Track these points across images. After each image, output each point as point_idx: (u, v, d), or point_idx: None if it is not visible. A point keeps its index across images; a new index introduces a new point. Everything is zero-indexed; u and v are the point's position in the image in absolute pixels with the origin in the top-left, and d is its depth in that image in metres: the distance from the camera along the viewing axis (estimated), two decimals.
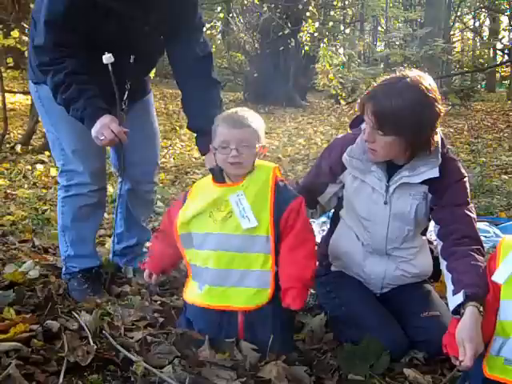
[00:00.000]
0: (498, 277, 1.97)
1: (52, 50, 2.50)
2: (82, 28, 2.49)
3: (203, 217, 2.32)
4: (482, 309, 1.97)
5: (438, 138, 2.38)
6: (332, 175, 2.57)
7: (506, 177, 6.86)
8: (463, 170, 2.46)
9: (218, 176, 2.34)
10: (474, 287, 2.04)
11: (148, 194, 3.15)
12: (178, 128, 11.43)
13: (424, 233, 2.64)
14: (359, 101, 2.37)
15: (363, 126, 2.48)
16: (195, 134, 2.82)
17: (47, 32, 2.47)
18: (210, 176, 2.39)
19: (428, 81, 2.27)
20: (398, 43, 16.63)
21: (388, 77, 2.35)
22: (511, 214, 4.96)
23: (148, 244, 3.23)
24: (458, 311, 2.03)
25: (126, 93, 2.74)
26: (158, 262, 2.53)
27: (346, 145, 2.50)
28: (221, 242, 2.29)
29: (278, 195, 2.30)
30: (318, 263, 2.78)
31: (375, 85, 2.36)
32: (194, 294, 2.37)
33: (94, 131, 2.50)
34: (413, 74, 2.27)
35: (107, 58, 2.50)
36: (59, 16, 2.44)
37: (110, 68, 2.49)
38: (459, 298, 2.04)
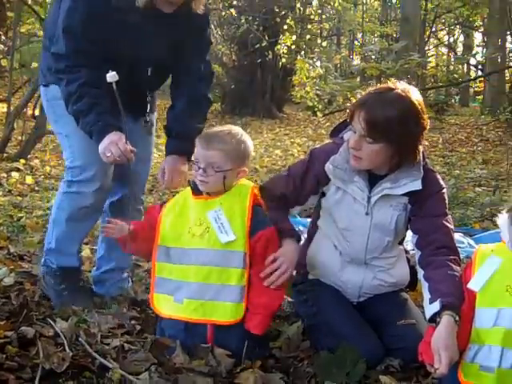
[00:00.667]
0: (474, 285, 2.00)
1: (69, 57, 2.51)
2: (100, 39, 2.51)
3: (182, 231, 2.34)
4: (457, 318, 2.00)
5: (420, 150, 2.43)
6: (316, 186, 2.55)
7: (480, 189, 6.96)
8: (442, 182, 2.51)
9: (196, 188, 2.37)
10: (450, 297, 2.06)
11: (138, 212, 3.03)
12: (154, 138, 11.36)
13: (401, 242, 2.67)
14: (349, 108, 2.40)
15: (346, 135, 2.51)
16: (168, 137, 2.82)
17: (67, 39, 2.49)
18: (189, 188, 2.41)
19: (416, 93, 2.35)
20: (373, 57, 16.81)
21: (377, 87, 2.40)
22: (485, 225, 5.02)
23: (127, 272, 3.15)
24: (434, 320, 2.06)
25: (148, 105, 2.83)
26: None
27: (330, 154, 2.50)
28: (199, 257, 2.30)
29: (254, 216, 2.34)
30: (294, 272, 2.80)
31: (365, 93, 2.39)
32: (172, 307, 2.34)
33: (101, 147, 2.47)
34: (401, 85, 2.35)
35: (111, 77, 2.40)
36: (78, 24, 2.47)
37: (114, 87, 2.38)
38: (435, 306, 2.06)
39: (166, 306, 2.36)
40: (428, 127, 2.38)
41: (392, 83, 2.38)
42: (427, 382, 2.05)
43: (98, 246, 3.10)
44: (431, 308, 2.09)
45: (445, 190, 2.50)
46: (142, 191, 3.12)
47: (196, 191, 2.37)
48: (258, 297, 2.33)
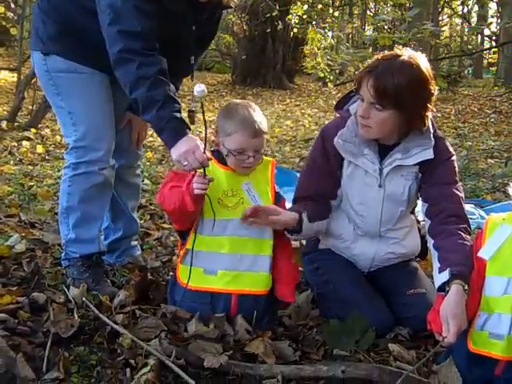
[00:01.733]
0: (485, 253, 1.99)
1: (147, 38, 2.31)
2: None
3: (212, 202, 2.31)
4: (466, 287, 1.99)
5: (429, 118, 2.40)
6: (341, 162, 2.49)
7: (492, 161, 6.92)
8: (451, 149, 2.49)
9: (222, 159, 2.36)
10: (459, 265, 2.05)
11: (137, 177, 3.03)
12: None
13: (413, 211, 2.66)
14: (356, 76, 2.37)
15: (351, 107, 2.48)
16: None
17: (139, 17, 2.29)
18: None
19: (423, 59, 2.33)
20: (386, 27, 16.60)
21: (384, 54, 2.36)
22: (496, 196, 5.00)
23: (135, 238, 3.13)
24: (443, 288, 2.05)
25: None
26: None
27: (339, 129, 2.46)
28: (235, 228, 2.32)
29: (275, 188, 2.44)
30: (305, 241, 2.81)
31: (373, 61, 2.34)
32: (201, 279, 2.33)
33: (176, 154, 2.26)
34: (408, 52, 2.33)
35: (200, 92, 2.17)
36: (148, 4, 2.33)
37: (202, 102, 2.21)
38: (445, 275, 2.06)
39: (194, 278, 2.34)
40: (436, 93, 2.36)
41: (399, 50, 2.35)
42: (436, 351, 2.05)
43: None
44: (440, 277, 2.09)
45: (454, 157, 2.48)
46: (141, 153, 3.07)
47: (222, 161, 2.35)
48: (286, 267, 2.42)
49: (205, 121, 2.20)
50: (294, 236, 2.43)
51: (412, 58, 2.29)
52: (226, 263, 2.32)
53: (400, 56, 2.29)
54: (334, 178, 2.50)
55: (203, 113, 2.20)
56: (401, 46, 2.42)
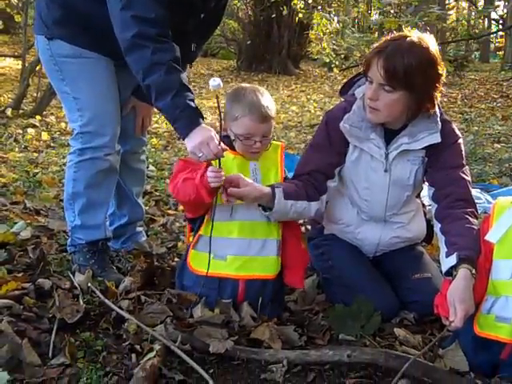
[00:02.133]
0: (492, 236, 1.99)
1: (161, 24, 2.28)
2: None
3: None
4: (474, 271, 1.99)
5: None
6: (345, 148, 2.47)
7: (499, 145, 6.88)
8: (458, 132, 2.47)
9: (232, 145, 2.34)
10: (467, 250, 2.05)
11: (142, 163, 3.02)
12: None
13: (418, 195, 2.64)
14: (365, 58, 2.34)
15: (357, 92, 2.46)
16: None
17: (154, 3, 2.27)
18: None
19: (431, 40, 2.31)
20: (392, 11, 16.47)
21: (393, 35, 2.33)
22: (503, 181, 4.99)
23: (141, 224, 3.13)
24: (450, 273, 2.05)
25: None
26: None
27: (345, 114, 2.44)
28: (243, 212, 2.31)
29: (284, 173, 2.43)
30: (310, 226, 2.80)
31: (381, 42, 2.32)
32: (213, 264, 2.31)
33: (190, 145, 2.23)
34: (416, 33, 2.31)
35: (215, 86, 2.11)
36: None
37: (218, 96, 2.13)
38: (452, 260, 2.05)
39: (204, 263, 2.32)
40: (445, 74, 2.34)
41: (407, 31, 2.34)
42: (442, 335, 2.05)
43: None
44: (448, 261, 2.08)
45: (461, 141, 2.46)
46: (146, 139, 3.06)
47: (231, 147, 2.32)
48: (295, 252, 2.41)
49: (220, 113, 2.17)
50: (267, 213, 2.30)
51: (421, 39, 2.27)
52: (236, 248, 2.31)
53: (409, 37, 2.27)
54: (334, 159, 2.47)
55: (218, 106, 2.15)
56: (409, 27, 2.40)
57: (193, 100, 2.27)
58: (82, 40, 2.51)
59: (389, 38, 2.32)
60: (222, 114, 2.25)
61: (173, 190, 2.30)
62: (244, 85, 2.42)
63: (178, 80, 2.25)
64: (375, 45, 2.34)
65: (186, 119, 2.24)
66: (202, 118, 2.29)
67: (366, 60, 2.32)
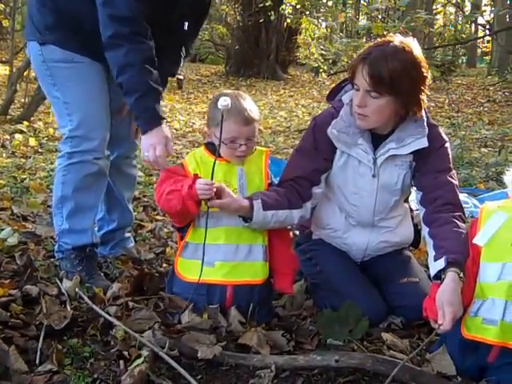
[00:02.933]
0: (480, 239, 2.01)
1: (134, 23, 2.35)
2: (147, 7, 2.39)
3: None
4: (462, 274, 2.00)
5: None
6: (331, 154, 2.46)
7: (486, 150, 6.92)
8: (444, 136, 2.48)
9: (216, 151, 2.32)
10: (455, 253, 2.06)
11: (134, 168, 3.03)
12: None
13: (406, 200, 2.65)
14: (349, 65, 2.35)
15: (344, 97, 2.47)
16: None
17: (130, 2, 2.32)
18: (201, 150, 2.39)
19: (414, 43, 2.33)
20: (380, 16, 16.56)
21: (376, 41, 2.36)
22: (490, 185, 5.00)
23: (129, 229, 3.12)
24: (439, 276, 2.06)
25: (182, 61, 2.81)
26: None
27: (332, 119, 2.45)
28: (230, 218, 2.31)
29: (269, 178, 2.43)
30: (298, 232, 2.81)
31: (365, 49, 2.34)
32: (199, 271, 2.31)
33: (143, 143, 2.43)
34: (399, 38, 2.33)
35: (224, 105, 2.14)
36: None
37: (222, 115, 2.16)
38: (440, 263, 2.06)
39: (192, 270, 2.32)
40: (430, 76, 2.36)
41: (390, 36, 2.35)
42: (430, 339, 2.05)
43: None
44: (436, 265, 2.09)
45: (448, 144, 2.47)
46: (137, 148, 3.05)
47: (217, 154, 2.31)
48: (284, 257, 2.41)
49: (221, 130, 2.18)
50: (248, 224, 2.29)
51: (404, 43, 2.29)
52: (223, 254, 2.31)
53: (392, 42, 2.29)
54: (320, 164, 2.47)
55: (221, 124, 2.17)
56: (391, 33, 2.41)
57: (157, 101, 2.41)
58: (73, 44, 2.53)
59: (372, 44, 2.34)
60: (205, 120, 2.27)
61: (158, 202, 2.33)
62: (226, 91, 2.42)
63: (146, 83, 2.37)
64: (360, 51, 2.35)
65: (145, 119, 2.42)
66: (162, 119, 2.43)
67: (351, 67, 2.33)
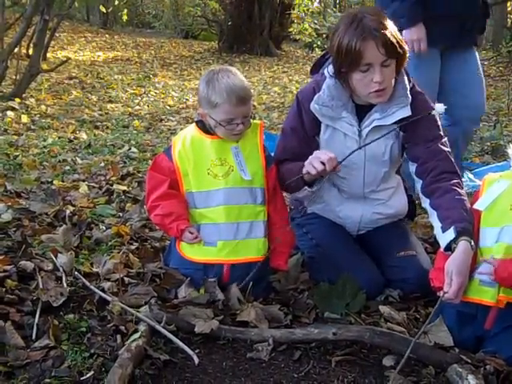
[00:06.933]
0: (480, 204, 2.02)
1: None
2: None
3: (201, 174, 2.31)
4: (473, 243, 1.98)
5: (404, 75, 2.37)
6: (317, 127, 2.45)
7: (480, 124, 6.88)
8: (431, 103, 2.44)
9: (207, 129, 2.34)
10: (463, 222, 2.04)
11: None
12: (151, 76, 11.42)
13: (398, 171, 2.63)
14: (352, 52, 2.20)
15: (326, 71, 2.42)
16: None
17: None
18: (192, 128, 2.38)
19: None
20: None
21: (359, 16, 2.22)
22: (485, 159, 5.00)
23: None
24: (449, 247, 2.03)
25: None
26: (184, 215, 2.37)
27: (315, 93, 2.41)
28: (229, 197, 2.31)
29: (265, 151, 2.42)
30: (293, 207, 2.79)
31: (357, 28, 2.19)
32: (202, 251, 2.33)
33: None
34: (361, 9, 2.42)
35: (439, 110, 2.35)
36: None
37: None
38: (450, 234, 2.02)
39: (195, 251, 2.33)
40: None
41: (360, 8, 2.36)
42: (426, 313, 2.05)
43: None
44: (446, 236, 2.05)
45: (435, 112, 2.40)
46: None
47: (206, 131, 2.34)
48: (281, 235, 2.40)
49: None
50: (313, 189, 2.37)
51: (374, 9, 2.39)
52: (225, 233, 2.31)
53: (362, 12, 2.26)
54: (310, 141, 2.45)
55: None
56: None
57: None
58: None
59: (359, 20, 2.21)
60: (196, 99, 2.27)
61: (148, 214, 2.45)
62: (215, 68, 2.37)
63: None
64: (346, 36, 2.25)
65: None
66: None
67: (356, 52, 2.19)
